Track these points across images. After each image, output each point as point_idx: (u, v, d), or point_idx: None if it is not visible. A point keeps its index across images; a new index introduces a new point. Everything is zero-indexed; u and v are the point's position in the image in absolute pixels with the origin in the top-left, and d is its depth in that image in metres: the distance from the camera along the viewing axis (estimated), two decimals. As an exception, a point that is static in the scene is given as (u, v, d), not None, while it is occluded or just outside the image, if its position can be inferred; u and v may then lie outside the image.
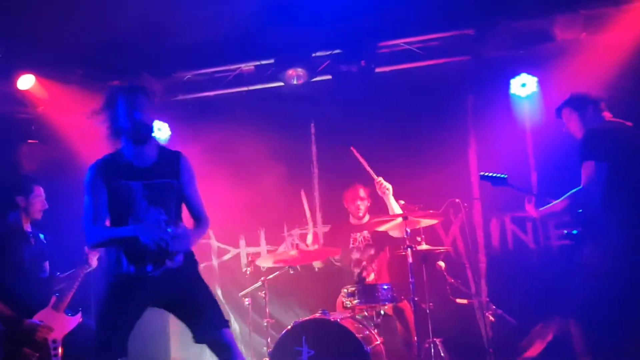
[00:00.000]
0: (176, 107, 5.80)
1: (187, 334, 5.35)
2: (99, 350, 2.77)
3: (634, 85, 4.51)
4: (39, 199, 3.79)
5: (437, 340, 4.45)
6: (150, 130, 2.92)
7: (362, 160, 4.73)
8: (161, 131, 5.84)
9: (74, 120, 5.60)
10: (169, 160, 2.99)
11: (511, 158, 5.19)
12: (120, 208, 2.85)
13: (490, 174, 4.05)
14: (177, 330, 5.36)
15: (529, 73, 5.00)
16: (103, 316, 2.82)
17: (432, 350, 4.37)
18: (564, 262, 5.08)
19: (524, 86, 5.03)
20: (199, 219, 3.04)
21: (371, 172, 4.73)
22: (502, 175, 4.01)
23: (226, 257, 5.92)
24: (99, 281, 4.48)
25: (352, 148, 4.76)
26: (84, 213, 2.88)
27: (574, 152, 3.54)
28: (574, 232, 3.65)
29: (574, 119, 3.66)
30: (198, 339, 2.89)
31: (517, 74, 5.04)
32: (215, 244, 5.94)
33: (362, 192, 4.97)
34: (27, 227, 3.78)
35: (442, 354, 4.45)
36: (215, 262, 5.92)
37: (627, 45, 4.55)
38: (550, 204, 3.69)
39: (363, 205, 4.96)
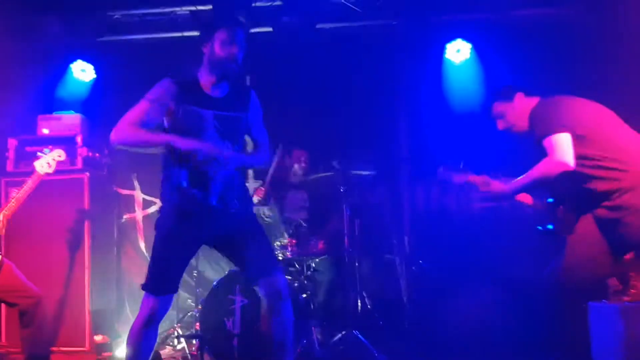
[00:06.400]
0: (103, 49, 5.46)
1: (107, 283, 5.28)
2: (155, 284, 2.68)
3: (562, 58, 4.80)
4: None
5: (364, 293, 4.64)
6: (239, 69, 2.80)
7: None
8: (85, 73, 5.50)
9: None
10: (241, 94, 2.92)
11: (440, 122, 5.40)
12: (185, 135, 2.70)
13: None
14: (96, 281, 5.17)
15: (464, 39, 5.16)
16: (165, 246, 2.70)
17: (359, 302, 4.56)
18: (483, 224, 5.43)
19: (458, 52, 5.20)
20: (262, 151, 3.03)
21: None
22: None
23: (151, 209, 5.74)
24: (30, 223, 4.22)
25: None
26: (128, 114, 2.71)
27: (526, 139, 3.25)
28: (549, 227, 3.26)
29: (509, 111, 3.26)
30: (252, 280, 2.83)
31: (453, 39, 5.19)
32: (140, 195, 5.73)
33: (301, 158, 5.07)
34: None
35: (368, 306, 4.65)
36: (139, 214, 5.72)
37: (558, 20, 4.81)
38: (516, 180, 3.18)
39: (302, 170, 5.05)
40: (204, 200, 2.72)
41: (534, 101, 3.22)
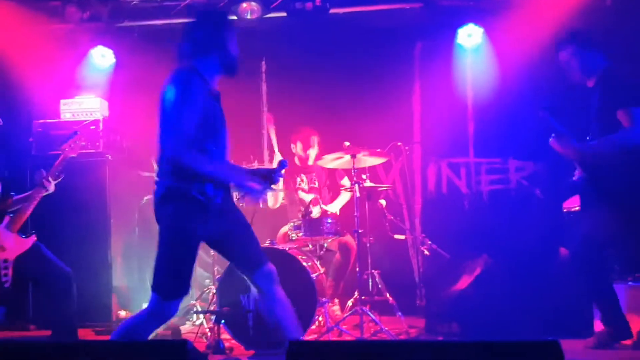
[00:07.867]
0: (122, 34, 5.60)
1: (129, 262, 5.49)
2: (176, 287, 2.62)
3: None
4: None
5: (375, 272, 4.77)
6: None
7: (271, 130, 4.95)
8: (105, 57, 5.65)
9: (12, 39, 5.32)
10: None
11: (452, 106, 5.48)
12: (205, 130, 2.62)
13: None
14: (119, 260, 5.38)
15: (476, 24, 5.21)
16: (182, 249, 2.63)
17: (370, 281, 4.70)
18: (492, 206, 5.53)
19: (470, 37, 5.25)
20: None
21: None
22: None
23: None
24: (55, 205, 4.39)
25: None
26: (180, 128, 2.54)
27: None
28: None
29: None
30: (248, 272, 2.85)
31: (465, 24, 5.24)
32: (160, 177, 5.89)
33: (314, 140, 5.05)
34: None
35: (379, 285, 4.78)
36: (159, 196, 5.88)
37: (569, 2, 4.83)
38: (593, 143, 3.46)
39: (314, 152, 5.06)
40: (217, 201, 2.71)
41: None
